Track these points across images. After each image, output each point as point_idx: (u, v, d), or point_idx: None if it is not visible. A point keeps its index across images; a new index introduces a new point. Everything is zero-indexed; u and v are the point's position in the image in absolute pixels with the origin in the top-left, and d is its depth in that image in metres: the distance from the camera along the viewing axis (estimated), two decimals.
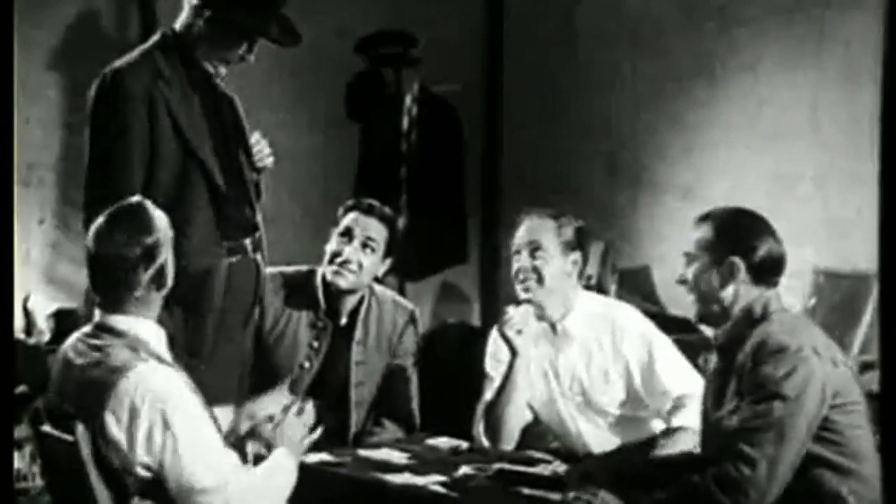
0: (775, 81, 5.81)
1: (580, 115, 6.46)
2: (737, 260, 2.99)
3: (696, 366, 3.90)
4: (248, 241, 3.57)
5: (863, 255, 5.35)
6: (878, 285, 2.33)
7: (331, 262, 3.90)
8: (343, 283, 3.89)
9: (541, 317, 3.72)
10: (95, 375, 2.77)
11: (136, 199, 2.93)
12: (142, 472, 2.74)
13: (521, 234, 3.73)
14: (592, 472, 3.17)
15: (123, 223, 2.85)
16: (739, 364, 2.92)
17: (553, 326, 3.72)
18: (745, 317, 2.99)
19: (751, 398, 2.85)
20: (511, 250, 3.75)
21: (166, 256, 2.86)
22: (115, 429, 2.73)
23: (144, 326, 2.86)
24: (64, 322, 5.21)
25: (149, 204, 2.91)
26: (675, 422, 3.57)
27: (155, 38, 3.55)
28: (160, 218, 2.89)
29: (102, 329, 2.85)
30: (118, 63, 3.47)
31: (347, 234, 3.91)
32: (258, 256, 3.62)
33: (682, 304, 5.64)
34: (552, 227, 3.69)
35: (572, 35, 6.49)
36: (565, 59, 6.50)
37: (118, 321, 2.84)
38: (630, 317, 3.74)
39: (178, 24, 3.52)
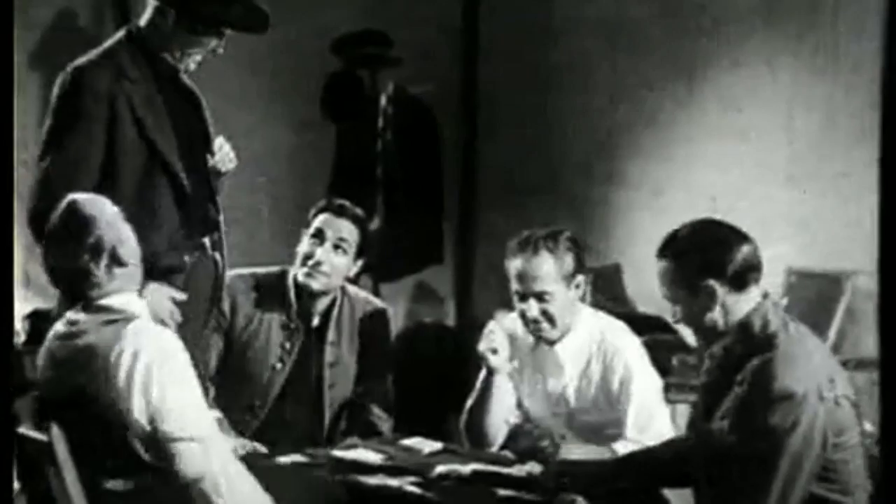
0: (753, 81, 5.83)
1: (556, 115, 6.47)
2: (711, 283, 2.90)
3: (670, 367, 3.94)
4: (206, 240, 3.56)
5: (835, 255, 5.39)
6: (878, 285, 2.32)
7: (302, 264, 3.90)
8: (315, 285, 3.89)
9: (538, 336, 3.70)
10: (92, 341, 2.83)
11: (66, 200, 2.95)
12: (140, 421, 2.79)
13: (520, 276, 3.61)
14: (567, 474, 3.19)
15: (63, 232, 2.91)
16: (738, 385, 2.86)
17: (550, 343, 3.71)
18: (743, 332, 2.91)
19: (753, 448, 2.80)
20: (510, 283, 3.65)
21: (114, 238, 2.90)
22: (120, 379, 2.77)
23: (128, 299, 2.92)
24: (40, 323, 5.20)
25: (79, 200, 2.94)
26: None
27: (119, 34, 3.54)
28: (94, 207, 2.93)
29: (88, 310, 2.91)
30: (81, 60, 3.47)
31: (319, 235, 3.91)
32: (217, 255, 3.61)
33: (653, 303, 5.69)
34: (551, 264, 3.59)
35: (549, 34, 6.51)
36: (542, 58, 6.52)
37: (101, 302, 2.90)
38: (624, 344, 3.69)
39: (143, 22, 3.52)
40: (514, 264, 3.63)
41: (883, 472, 2.13)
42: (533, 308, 3.62)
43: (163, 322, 2.99)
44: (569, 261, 3.62)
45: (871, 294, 5.30)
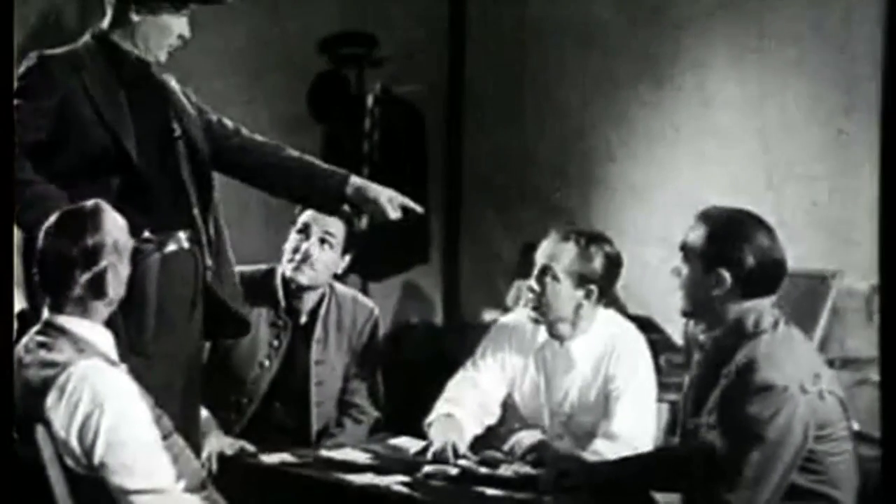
0: (721, 79, 5.85)
1: (542, 116, 6.49)
2: (723, 272, 2.94)
3: (658, 366, 3.95)
4: (182, 234, 3.54)
5: (819, 255, 5.41)
6: (879, 285, 2.33)
7: (289, 259, 3.90)
8: (302, 279, 3.89)
9: (550, 331, 3.72)
10: (39, 371, 2.78)
11: (93, 201, 2.92)
12: (78, 469, 2.74)
13: (539, 251, 3.68)
14: (569, 473, 3.20)
15: (70, 222, 2.86)
16: (724, 378, 2.90)
17: (560, 341, 3.72)
18: (735, 329, 2.95)
19: (731, 437, 2.84)
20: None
21: (108, 263, 2.84)
22: (57, 424, 2.73)
23: (91, 328, 2.86)
24: (28, 323, 5.17)
25: (106, 208, 2.90)
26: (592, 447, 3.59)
27: (84, 38, 3.55)
28: (113, 224, 2.88)
29: (50, 327, 2.86)
30: (48, 50, 3.49)
31: (305, 230, 3.91)
32: (196, 249, 3.59)
33: (643, 304, 5.70)
34: (572, 254, 3.61)
35: (536, 36, 6.52)
36: (527, 60, 6.53)
37: (65, 321, 2.85)
38: (633, 348, 3.72)
39: (106, 23, 3.52)
40: (541, 245, 3.68)
41: (883, 472, 2.14)
42: (533, 279, 3.66)
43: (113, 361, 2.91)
44: (591, 265, 3.62)
45: (857, 294, 5.32)
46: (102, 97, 3.42)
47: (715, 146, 5.85)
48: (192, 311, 3.59)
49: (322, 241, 3.89)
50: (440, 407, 3.73)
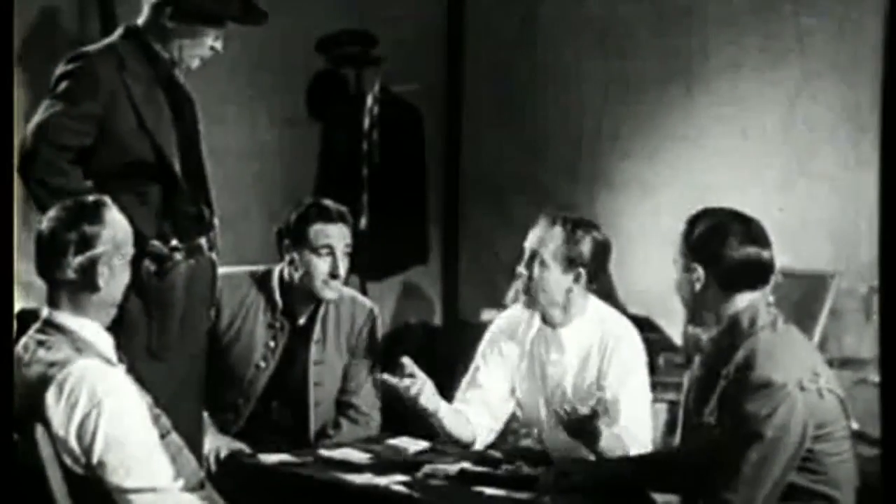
0: (756, 80, 5.82)
1: (541, 115, 6.47)
2: (697, 267, 2.97)
3: (656, 365, 3.96)
4: (203, 241, 3.56)
5: (819, 255, 5.41)
6: (879, 285, 2.34)
7: (314, 276, 3.86)
8: (332, 294, 3.89)
9: (543, 318, 3.74)
10: (37, 369, 2.78)
11: (98, 196, 2.93)
12: (77, 469, 2.74)
13: (529, 238, 3.70)
14: (569, 473, 3.20)
15: (74, 209, 2.87)
16: (723, 378, 2.91)
17: (553, 326, 3.73)
18: (731, 328, 2.97)
19: (730, 434, 2.85)
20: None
21: (104, 252, 2.84)
22: (56, 423, 2.73)
23: (90, 328, 2.87)
24: (27, 323, 5.16)
25: (110, 205, 2.91)
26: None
27: (119, 31, 3.54)
28: (117, 220, 2.89)
29: (50, 325, 2.87)
30: (87, 48, 3.48)
31: (328, 249, 3.87)
32: (213, 255, 3.61)
33: (643, 303, 5.69)
34: (560, 239, 3.64)
35: (534, 35, 6.51)
36: (527, 58, 6.52)
37: (65, 318, 2.86)
38: (629, 344, 3.73)
39: (141, 21, 3.51)
40: (531, 232, 3.70)
41: (882, 472, 2.14)
42: (523, 265, 3.68)
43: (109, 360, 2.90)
44: (578, 249, 3.64)
45: (856, 294, 5.31)
46: (143, 100, 3.42)
47: (734, 146, 5.83)
48: (207, 314, 3.63)
49: (344, 255, 3.90)
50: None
